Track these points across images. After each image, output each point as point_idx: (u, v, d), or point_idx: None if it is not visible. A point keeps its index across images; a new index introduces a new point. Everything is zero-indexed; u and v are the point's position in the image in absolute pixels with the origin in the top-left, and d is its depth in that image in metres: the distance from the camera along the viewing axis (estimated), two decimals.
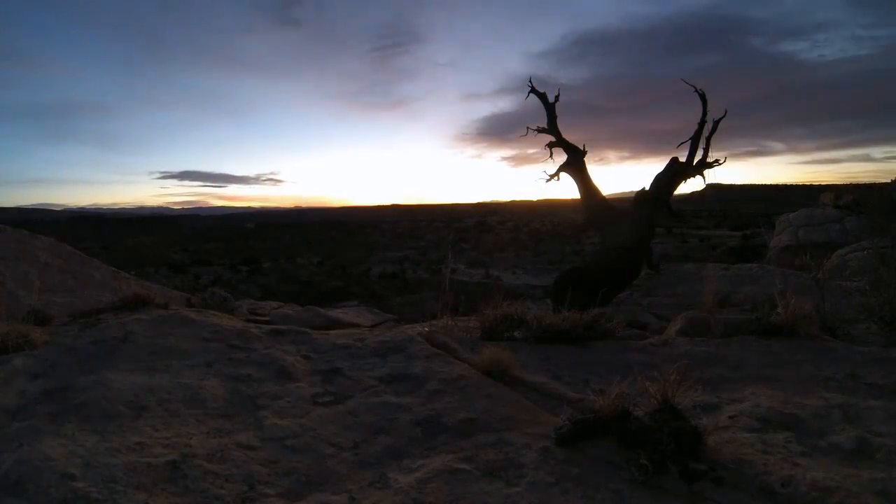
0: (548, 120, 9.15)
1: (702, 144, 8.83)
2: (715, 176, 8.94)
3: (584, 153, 9.15)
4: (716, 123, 8.84)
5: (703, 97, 8.70)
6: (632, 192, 9.18)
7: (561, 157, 9.23)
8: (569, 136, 8.78)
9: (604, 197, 9.29)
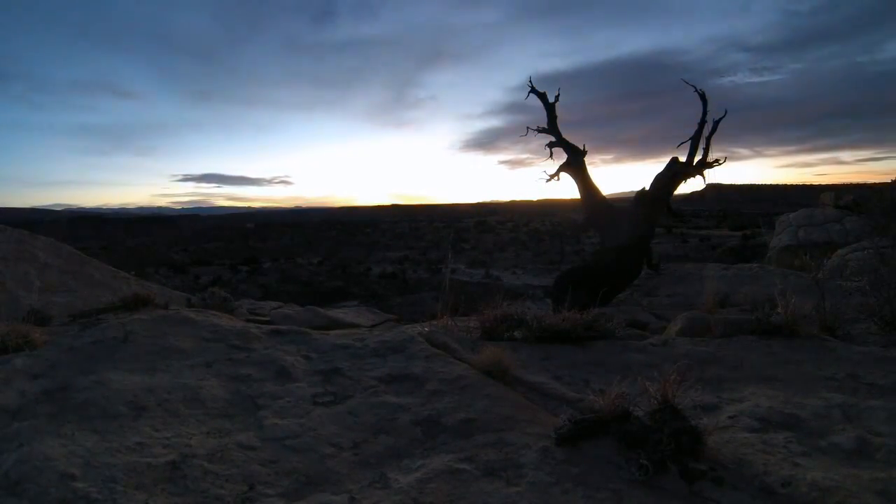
0: (548, 120, 9.15)
1: (702, 144, 8.83)
2: (715, 176, 8.94)
3: (584, 153, 9.15)
4: (716, 124, 8.84)
5: (703, 97, 8.70)
6: (631, 192, 9.18)
7: (561, 157, 9.23)
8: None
9: (604, 197, 9.29)
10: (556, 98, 9.08)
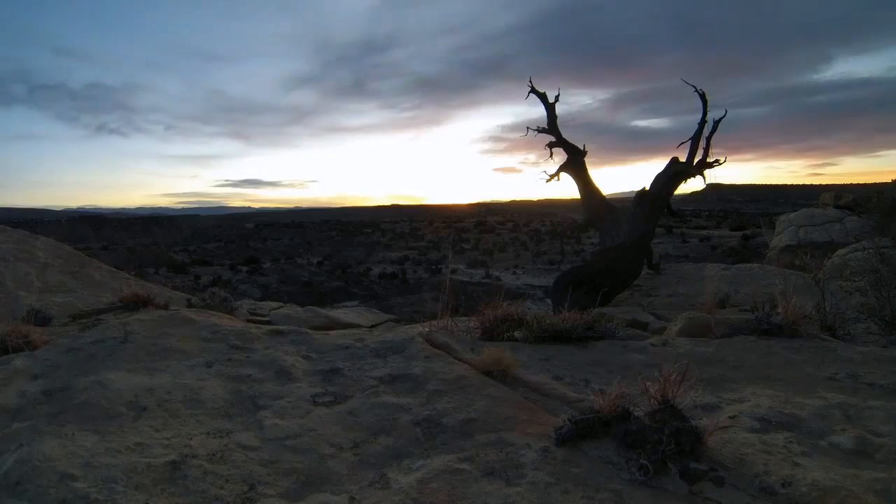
0: (548, 120, 9.16)
1: (702, 144, 8.82)
2: (715, 176, 8.95)
3: (584, 153, 9.15)
4: (716, 123, 8.84)
5: (703, 97, 8.70)
6: (631, 191, 9.18)
7: (561, 157, 9.23)
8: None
9: (604, 197, 9.30)
10: (557, 98, 9.08)
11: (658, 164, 8.78)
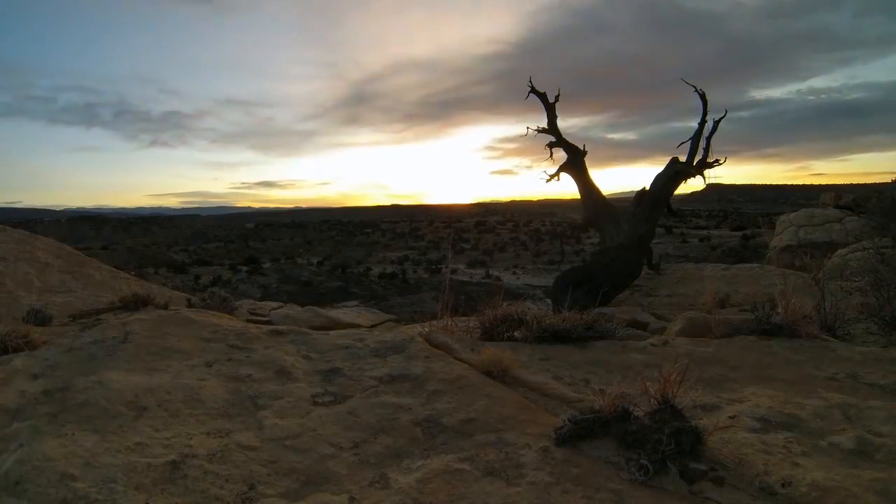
0: (548, 120, 9.15)
1: (702, 144, 8.81)
2: (715, 176, 8.95)
3: (584, 153, 9.14)
4: (716, 124, 8.84)
5: (703, 97, 8.70)
6: (631, 191, 9.18)
7: (561, 157, 9.22)
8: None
9: (604, 197, 9.29)
10: (557, 98, 9.07)
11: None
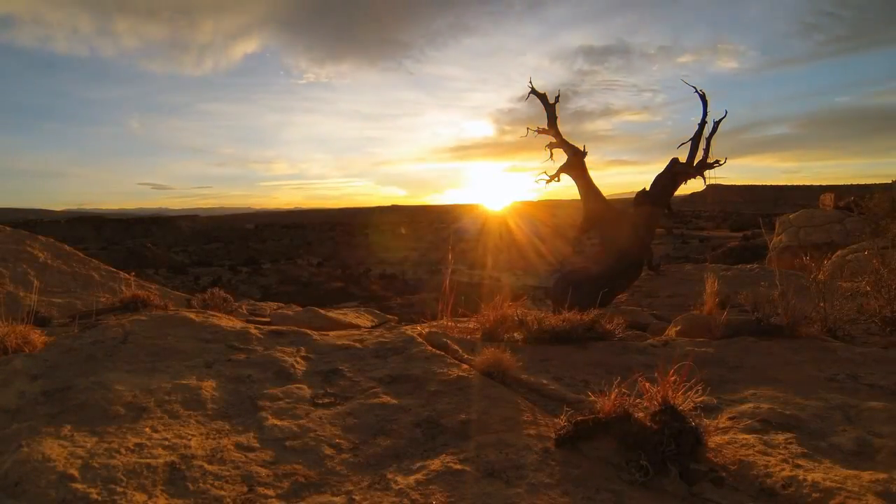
0: (548, 120, 9.14)
1: (702, 145, 8.81)
2: (715, 176, 8.94)
3: (584, 154, 9.14)
4: (716, 124, 8.83)
5: (703, 98, 8.69)
6: (631, 192, 9.18)
7: (561, 158, 9.21)
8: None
9: (604, 198, 9.28)
10: (557, 99, 9.07)
11: None
